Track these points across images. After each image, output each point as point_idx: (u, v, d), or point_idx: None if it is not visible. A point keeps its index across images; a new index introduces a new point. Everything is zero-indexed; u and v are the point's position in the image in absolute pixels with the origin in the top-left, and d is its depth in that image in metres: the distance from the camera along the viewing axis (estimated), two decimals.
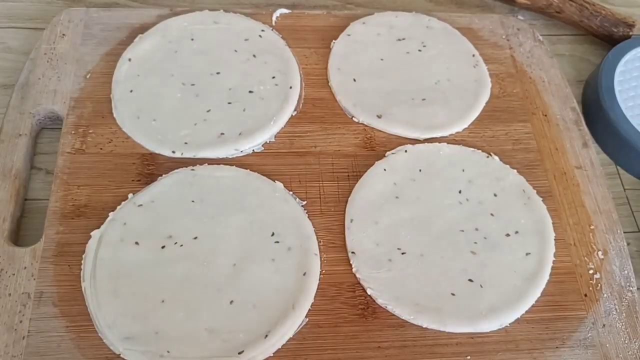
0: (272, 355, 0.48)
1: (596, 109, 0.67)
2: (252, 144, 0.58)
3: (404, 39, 0.68)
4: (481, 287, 0.52)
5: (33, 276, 0.49)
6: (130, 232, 0.51)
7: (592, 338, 0.51)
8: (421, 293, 0.51)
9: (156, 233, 0.52)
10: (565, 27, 0.77)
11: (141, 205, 0.53)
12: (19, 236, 0.54)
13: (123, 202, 0.53)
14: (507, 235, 0.55)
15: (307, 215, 0.55)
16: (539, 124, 0.64)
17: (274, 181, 0.56)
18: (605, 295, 0.53)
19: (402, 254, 0.53)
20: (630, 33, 0.73)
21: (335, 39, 0.67)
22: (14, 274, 0.49)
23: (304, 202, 0.56)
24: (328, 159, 0.59)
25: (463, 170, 0.59)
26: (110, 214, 0.53)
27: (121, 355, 0.46)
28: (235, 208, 0.54)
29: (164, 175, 0.56)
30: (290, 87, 0.62)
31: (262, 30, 0.66)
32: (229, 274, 0.50)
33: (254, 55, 0.64)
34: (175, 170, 0.56)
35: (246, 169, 0.57)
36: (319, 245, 0.53)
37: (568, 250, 0.56)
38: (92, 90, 0.61)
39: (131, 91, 0.60)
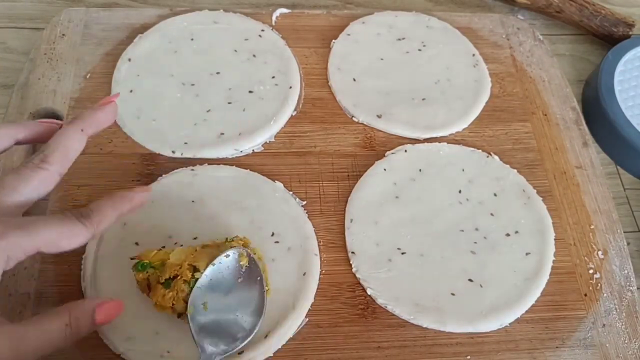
0: (272, 355, 0.48)
1: (596, 108, 0.67)
2: (252, 144, 0.58)
3: (403, 38, 0.68)
4: (481, 287, 0.52)
5: (33, 277, 0.49)
6: (130, 232, 0.51)
7: (592, 338, 0.51)
8: (421, 293, 0.51)
9: (156, 233, 0.52)
10: (565, 26, 0.77)
11: None
12: None
13: None
14: (507, 235, 0.55)
15: (307, 215, 0.55)
16: (539, 124, 0.64)
17: (274, 181, 0.56)
18: (605, 294, 0.53)
19: (402, 253, 0.53)
20: (630, 33, 0.73)
21: (335, 39, 0.67)
22: (14, 275, 0.49)
23: (304, 202, 0.56)
24: (328, 158, 0.59)
25: (463, 170, 0.59)
26: None
27: (121, 356, 0.46)
28: (235, 208, 0.54)
29: (163, 175, 0.56)
30: (290, 87, 0.62)
31: (262, 30, 0.66)
32: None
33: (254, 55, 0.64)
34: (175, 170, 0.56)
35: (246, 169, 0.57)
36: (318, 245, 0.53)
37: (568, 250, 0.56)
38: (92, 90, 0.61)
39: (131, 91, 0.60)
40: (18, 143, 0.44)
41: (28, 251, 0.37)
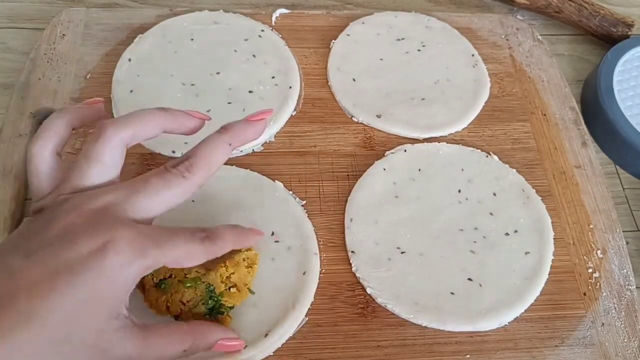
0: (272, 354, 0.48)
1: (595, 108, 0.67)
2: (251, 144, 0.58)
3: (403, 38, 0.68)
4: (480, 286, 0.52)
5: None
6: None
7: (591, 337, 0.51)
8: (421, 292, 0.51)
9: None
10: (564, 26, 0.77)
11: None
12: None
13: None
14: (507, 234, 0.55)
15: (306, 214, 0.55)
16: (538, 124, 0.64)
17: (274, 181, 0.56)
18: (604, 294, 0.54)
19: (402, 253, 0.53)
20: (629, 33, 0.73)
21: (335, 39, 0.67)
22: None
23: (304, 202, 0.56)
24: (328, 158, 0.59)
25: (462, 170, 0.59)
26: None
27: None
28: (235, 208, 0.54)
29: None
30: (290, 87, 0.62)
31: (262, 30, 0.66)
32: None
33: (254, 55, 0.64)
34: None
35: (246, 168, 0.57)
36: (318, 245, 0.53)
37: (567, 250, 0.56)
38: (92, 90, 0.61)
39: (131, 91, 0.60)
40: (165, 132, 0.43)
41: (157, 267, 0.37)
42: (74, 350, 0.34)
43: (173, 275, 0.45)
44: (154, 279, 0.45)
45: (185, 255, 0.38)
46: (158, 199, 0.38)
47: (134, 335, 0.37)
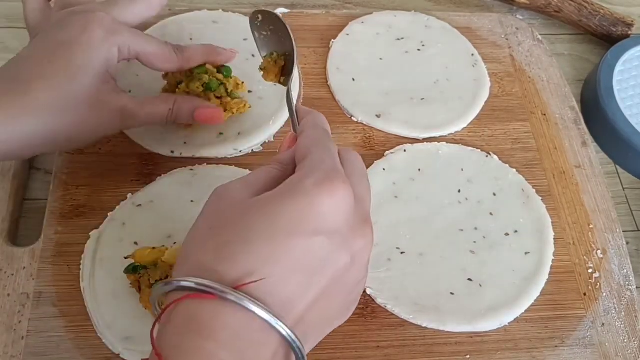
0: None
1: (595, 108, 0.67)
2: (251, 144, 0.58)
3: (403, 38, 0.68)
4: (480, 286, 0.52)
5: (32, 276, 0.49)
6: (129, 232, 0.51)
7: (591, 337, 0.51)
8: (420, 292, 0.51)
9: (155, 233, 0.52)
10: (564, 26, 0.77)
11: (140, 205, 0.53)
12: (17, 236, 0.54)
13: (122, 202, 0.53)
14: (507, 234, 0.55)
15: None
16: (538, 123, 0.64)
17: None
18: (604, 294, 0.53)
19: (402, 253, 0.53)
20: (629, 32, 0.73)
21: (334, 39, 0.67)
22: (12, 274, 0.49)
23: None
24: None
25: (462, 170, 0.59)
26: (109, 214, 0.53)
27: (120, 355, 0.46)
28: None
29: (163, 175, 0.56)
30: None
31: None
32: None
33: (253, 55, 0.64)
34: (175, 170, 0.56)
35: (245, 168, 0.57)
36: None
37: (567, 250, 0.56)
38: None
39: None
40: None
41: (132, 52, 0.48)
42: (78, 103, 0.44)
43: (168, 277, 0.45)
44: (150, 279, 0.45)
45: (155, 53, 0.49)
46: (129, 10, 0.49)
47: (126, 95, 0.48)
